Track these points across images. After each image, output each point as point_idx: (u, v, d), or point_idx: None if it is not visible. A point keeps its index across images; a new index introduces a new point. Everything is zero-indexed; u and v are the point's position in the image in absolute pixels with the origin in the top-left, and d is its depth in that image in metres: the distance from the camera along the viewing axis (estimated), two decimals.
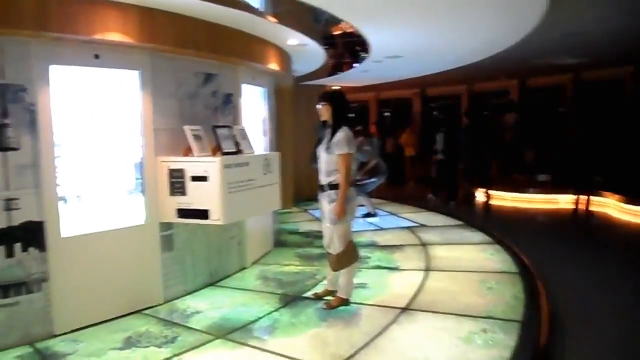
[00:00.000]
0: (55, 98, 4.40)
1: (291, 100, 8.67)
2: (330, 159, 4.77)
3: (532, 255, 6.63)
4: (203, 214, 4.90)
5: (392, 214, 9.91)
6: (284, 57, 7.23)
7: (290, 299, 5.23)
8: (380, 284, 5.59)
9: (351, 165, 4.72)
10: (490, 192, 11.75)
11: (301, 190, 10.45)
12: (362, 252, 6.82)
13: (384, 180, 9.50)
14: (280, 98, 8.31)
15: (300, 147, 9.34)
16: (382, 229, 8.62)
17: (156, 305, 5.08)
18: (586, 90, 12.98)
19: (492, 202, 11.58)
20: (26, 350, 4.18)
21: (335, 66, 10.65)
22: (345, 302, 4.95)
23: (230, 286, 5.72)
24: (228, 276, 6.00)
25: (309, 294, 5.37)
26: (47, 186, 4.35)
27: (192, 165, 4.93)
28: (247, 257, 6.38)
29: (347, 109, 4.94)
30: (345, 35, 9.71)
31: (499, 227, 8.47)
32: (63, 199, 4.54)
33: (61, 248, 4.45)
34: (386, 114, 18.96)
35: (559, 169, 12.06)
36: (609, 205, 10.20)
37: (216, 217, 4.88)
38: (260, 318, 4.75)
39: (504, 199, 11.55)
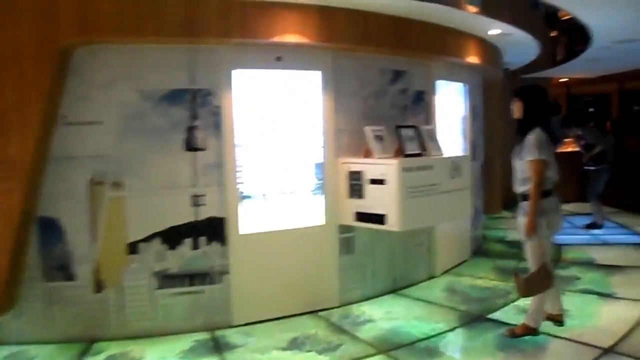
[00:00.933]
0: (240, 100, 4.60)
1: (501, 96, 7.92)
2: (523, 166, 4.15)
3: None
4: (379, 218, 4.69)
5: (623, 226, 8.47)
6: (488, 49, 6.59)
7: (472, 318, 4.73)
8: (584, 314, 4.72)
9: (544, 173, 4.03)
10: None
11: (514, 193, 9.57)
12: (573, 271, 5.97)
13: (609, 174, 8.19)
14: (488, 94, 7.66)
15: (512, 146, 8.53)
16: (605, 244, 7.40)
17: (331, 308, 5.03)
18: None
19: None
20: (204, 336, 4.47)
21: (556, 56, 9.47)
22: (533, 331, 4.27)
23: (412, 296, 5.40)
24: (413, 284, 5.68)
25: (496, 314, 4.79)
26: (229, 185, 4.58)
27: (370, 168, 4.74)
28: (436, 265, 5.98)
29: (542, 107, 4.21)
30: (563, 21, 8.56)
31: None
32: (247, 197, 4.73)
33: (240, 244, 4.65)
34: (636, 108, 16.45)
35: None
36: None
37: (392, 223, 4.62)
38: (431, 336, 4.36)
39: None
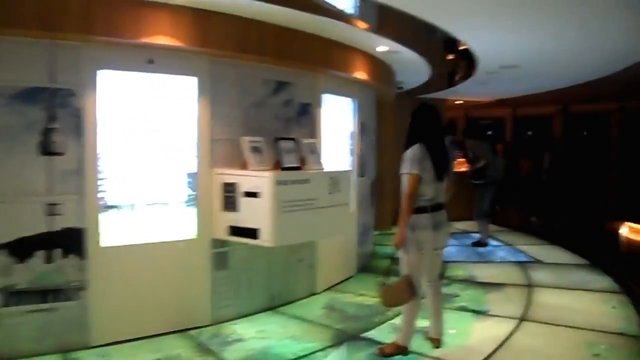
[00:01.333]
0: (106, 103, 4.28)
1: (395, 113, 8.03)
2: (401, 180, 4.14)
3: None
4: (253, 233, 4.49)
5: (507, 244, 8.78)
6: (379, 66, 6.63)
7: (346, 337, 4.62)
8: (457, 332, 4.73)
9: (416, 187, 4.02)
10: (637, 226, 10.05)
11: None
12: (454, 288, 6.04)
13: (493, 193, 8.49)
14: (382, 111, 7.72)
15: None
16: (488, 261, 7.61)
17: (202, 327, 4.76)
18: None
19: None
20: (56, 359, 4.06)
21: (453, 78, 9.74)
22: (402, 350, 4.23)
23: (289, 313, 5.24)
24: (292, 301, 5.52)
25: (371, 333, 4.72)
26: (90, 193, 4.23)
27: (244, 180, 4.55)
28: (318, 282, 5.86)
29: (428, 124, 4.19)
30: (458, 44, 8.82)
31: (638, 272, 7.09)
32: (111, 207, 4.39)
33: (101, 257, 4.31)
34: (529, 133, 17.41)
35: None
36: None
37: (266, 238, 4.43)
38: (300, 357, 4.20)
39: None
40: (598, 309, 5.53)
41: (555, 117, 15.42)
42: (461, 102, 13.85)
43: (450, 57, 10.37)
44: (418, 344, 4.39)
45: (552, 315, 5.27)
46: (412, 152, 4.06)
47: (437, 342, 4.36)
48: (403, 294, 4.11)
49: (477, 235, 8.79)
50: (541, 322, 5.07)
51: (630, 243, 9.72)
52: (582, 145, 15.00)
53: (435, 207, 4.12)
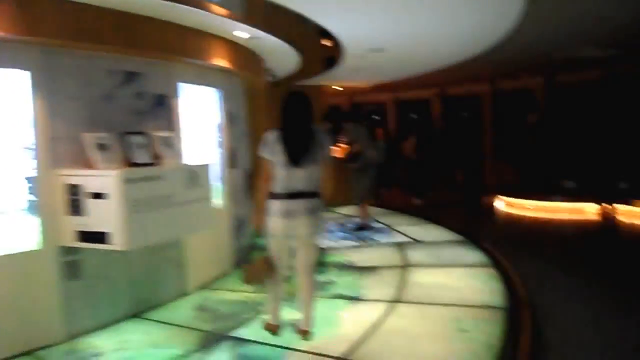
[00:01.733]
0: None
1: (268, 102, 7.85)
2: None
3: (539, 284, 5.67)
4: (103, 237, 4.13)
5: (388, 226, 8.91)
6: (242, 53, 6.38)
7: (214, 339, 4.39)
8: (328, 321, 4.63)
9: (263, 172, 4.04)
10: (509, 200, 10.64)
11: None
12: (330, 275, 5.98)
13: (372, 178, 8.57)
14: (255, 100, 7.50)
15: None
16: (367, 245, 7.66)
17: (53, 345, 4.31)
18: None
19: (515, 212, 10.42)
20: None
21: (329, 64, 9.71)
22: (273, 328, 4.28)
23: (156, 319, 4.91)
24: (160, 305, 5.18)
25: (241, 331, 4.52)
26: None
27: (89, 180, 4.17)
28: (189, 281, 5.56)
29: (282, 111, 4.05)
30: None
31: (509, 244, 7.45)
32: None
33: None
34: (413, 116, 17.95)
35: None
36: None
37: (117, 242, 4.10)
38: None
39: (528, 209, 10.32)
40: (468, 284, 5.70)
41: (433, 100, 15.97)
42: (341, 88, 13.92)
43: (326, 42, 10.35)
44: (288, 337, 4.26)
45: (423, 294, 5.36)
46: (264, 137, 4.03)
47: (306, 334, 4.25)
48: (261, 272, 4.15)
49: (358, 220, 8.85)
50: (413, 303, 5.13)
51: (506, 216, 10.28)
52: (460, 127, 15.63)
53: (291, 195, 3.98)
